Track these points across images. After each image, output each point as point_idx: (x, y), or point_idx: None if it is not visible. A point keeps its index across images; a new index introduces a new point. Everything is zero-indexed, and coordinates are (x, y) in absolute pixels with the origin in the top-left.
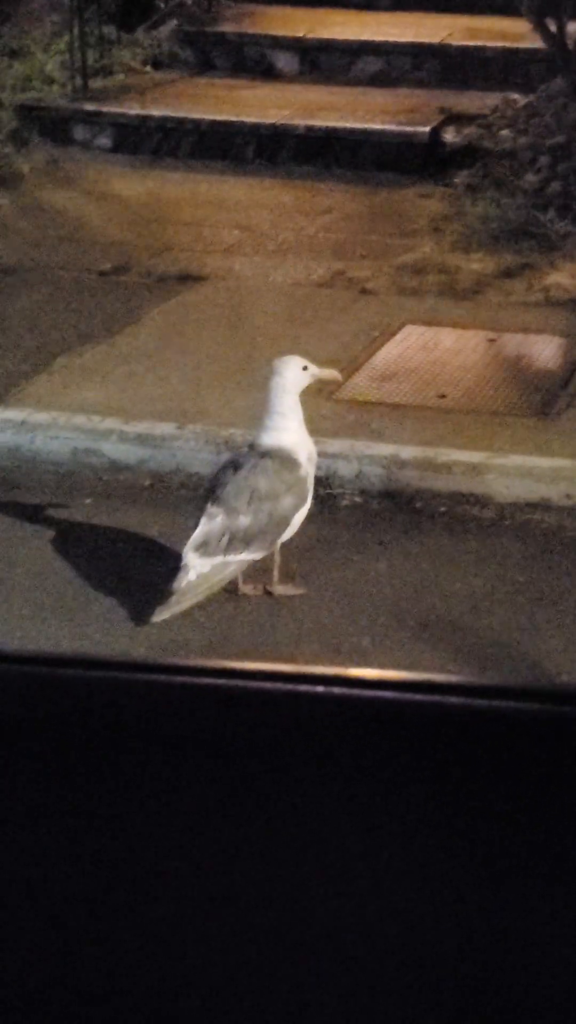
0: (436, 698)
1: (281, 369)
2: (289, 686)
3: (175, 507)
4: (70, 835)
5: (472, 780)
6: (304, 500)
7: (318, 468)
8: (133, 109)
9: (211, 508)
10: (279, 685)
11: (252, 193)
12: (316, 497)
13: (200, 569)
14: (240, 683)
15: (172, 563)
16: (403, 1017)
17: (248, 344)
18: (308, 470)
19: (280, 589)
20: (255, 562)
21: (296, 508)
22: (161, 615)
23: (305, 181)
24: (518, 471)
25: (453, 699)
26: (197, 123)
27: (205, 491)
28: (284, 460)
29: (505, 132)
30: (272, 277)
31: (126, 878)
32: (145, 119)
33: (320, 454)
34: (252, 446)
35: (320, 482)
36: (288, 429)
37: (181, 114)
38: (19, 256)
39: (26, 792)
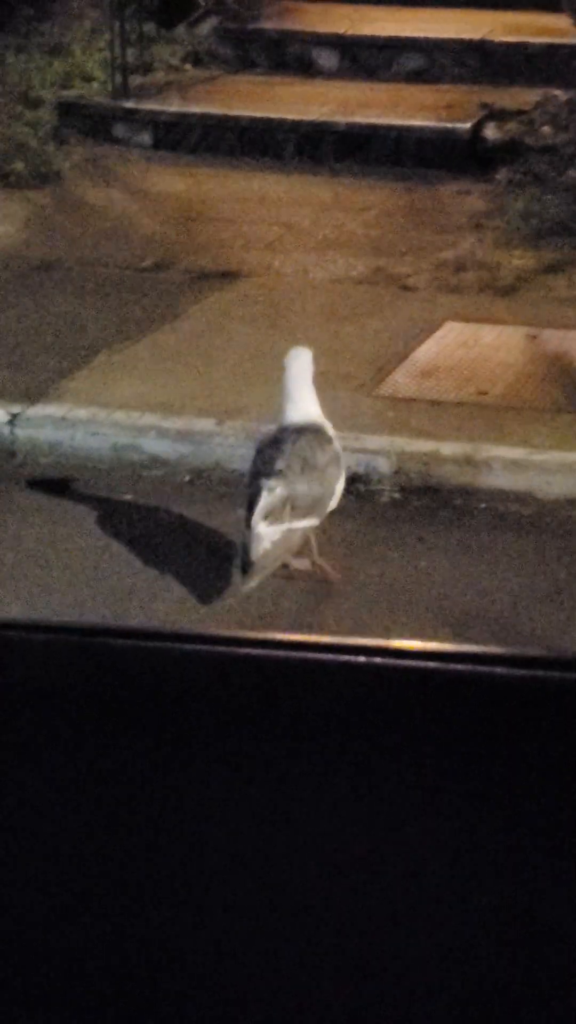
0: (442, 665)
1: (296, 355)
2: (297, 654)
3: (214, 503)
4: (76, 806)
5: (481, 749)
6: (341, 471)
7: (357, 464)
8: (173, 106)
9: (269, 482)
10: (287, 653)
11: (292, 190)
12: (355, 493)
13: (272, 537)
14: (246, 651)
15: (209, 559)
16: (407, 995)
17: (288, 340)
18: (338, 445)
19: (320, 560)
20: (313, 528)
21: (337, 478)
22: (248, 584)
23: (345, 178)
24: (559, 467)
25: (458, 666)
26: (237, 120)
27: (254, 469)
28: (319, 434)
29: (547, 128)
30: (312, 274)
31: (133, 851)
32: (185, 116)
33: (359, 450)
34: (283, 427)
35: (359, 478)
36: (311, 407)
37: (221, 111)
38: (59, 253)
39: (31, 760)
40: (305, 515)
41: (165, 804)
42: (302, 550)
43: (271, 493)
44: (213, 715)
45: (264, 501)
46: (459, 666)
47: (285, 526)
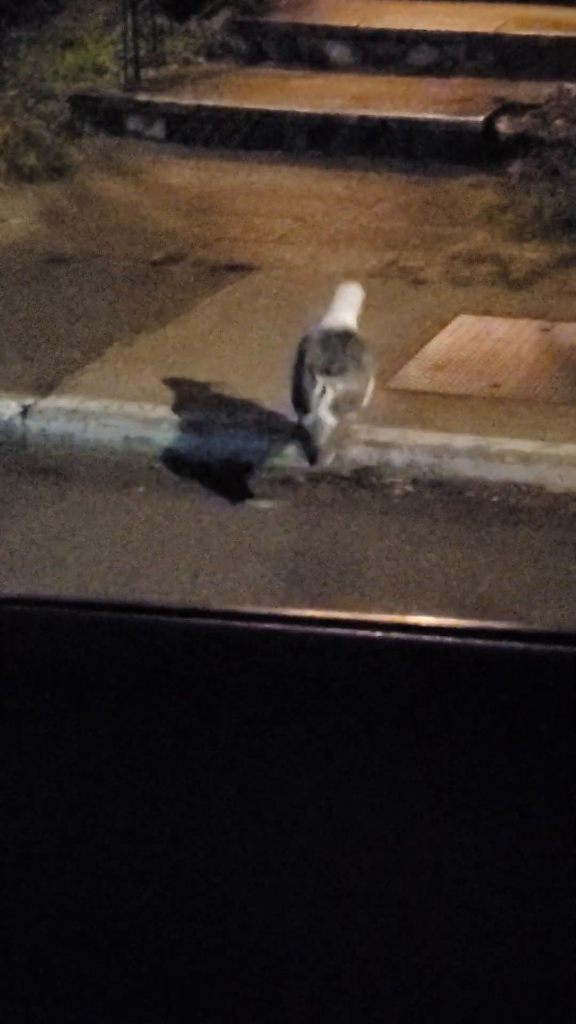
0: (447, 640)
1: (346, 287)
2: (303, 628)
3: (226, 494)
4: (75, 782)
5: (491, 724)
6: (372, 371)
7: (370, 457)
8: (186, 99)
9: (331, 379)
10: (292, 628)
11: (304, 183)
12: (367, 486)
13: (332, 425)
14: (251, 625)
15: (223, 555)
16: (412, 981)
17: (300, 333)
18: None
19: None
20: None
21: (371, 378)
22: (322, 463)
23: (357, 171)
24: (571, 460)
25: (466, 641)
26: (249, 113)
27: (305, 364)
28: (359, 339)
29: (560, 121)
30: (324, 267)
31: (135, 828)
32: (198, 109)
33: (372, 443)
34: (326, 330)
35: (371, 471)
36: (349, 319)
37: (234, 104)
38: (72, 245)
39: (31, 735)
40: (351, 408)
41: (167, 781)
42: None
43: (334, 389)
44: (216, 690)
45: (330, 395)
46: (467, 640)
47: (339, 419)
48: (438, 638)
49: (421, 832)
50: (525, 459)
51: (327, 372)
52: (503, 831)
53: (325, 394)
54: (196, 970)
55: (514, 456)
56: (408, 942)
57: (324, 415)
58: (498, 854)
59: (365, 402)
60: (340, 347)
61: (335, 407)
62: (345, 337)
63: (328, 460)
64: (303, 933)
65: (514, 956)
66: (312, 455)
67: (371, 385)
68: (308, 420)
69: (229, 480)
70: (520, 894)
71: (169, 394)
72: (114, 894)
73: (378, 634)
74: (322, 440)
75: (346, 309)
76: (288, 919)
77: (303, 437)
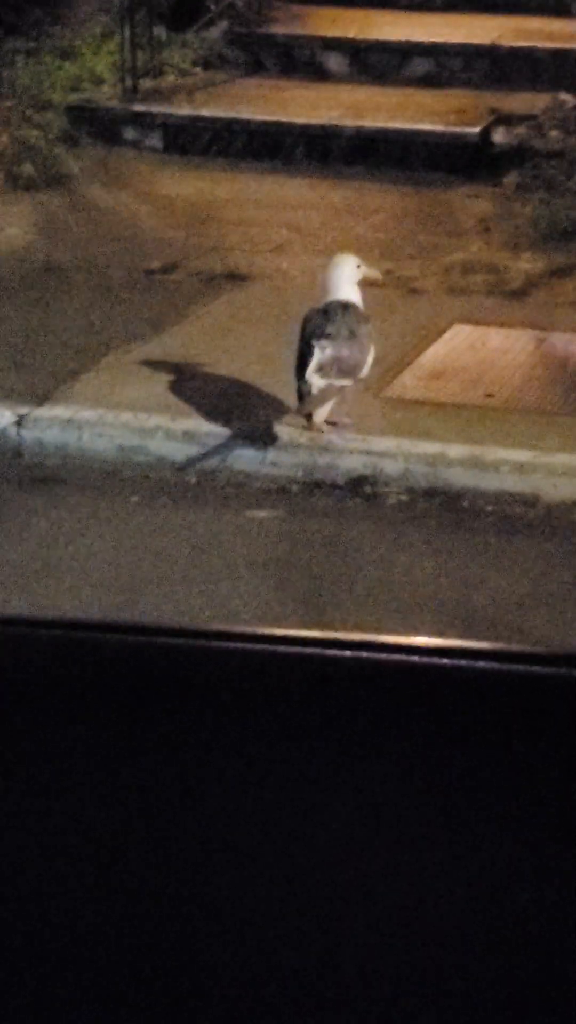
0: (443, 661)
1: (339, 263)
2: (299, 649)
3: (221, 504)
4: (74, 804)
5: (483, 744)
6: (372, 345)
7: (364, 466)
8: (183, 110)
9: (321, 342)
10: (288, 648)
11: (301, 193)
12: (362, 495)
13: (319, 386)
14: (246, 646)
15: (218, 565)
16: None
17: (295, 343)
18: (371, 324)
19: (346, 420)
20: (343, 388)
21: (370, 351)
22: (303, 410)
23: (354, 181)
24: (566, 470)
25: (460, 662)
26: (247, 123)
27: (305, 334)
28: (359, 312)
29: (555, 133)
30: (320, 276)
31: (135, 849)
32: (195, 120)
33: (367, 452)
34: (328, 303)
35: (366, 480)
36: (351, 295)
37: (231, 115)
38: (68, 255)
39: (31, 756)
40: (343, 376)
41: (165, 801)
42: (338, 405)
43: (322, 352)
44: (211, 710)
45: (316, 358)
46: (464, 661)
47: (327, 381)
48: (435, 659)
49: (419, 851)
50: (520, 469)
51: (319, 337)
52: (502, 851)
53: (313, 355)
54: (196, 990)
55: (509, 466)
56: (402, 954)
57: (311, 375)
58: (496, 873)
59: (364, 372)
60: (337, 316)
61: (320, 369)
62: (343, 308)
63: (319, 419)
64: (299, 953)
65: (505, 974)
66: (308, 417)
67: (370, 356)
68: (299, 384)
69: (224, 489)
70: (519, 912)
71: (164, 403)
72: (114, 909)
73: (375, 655)
74: (309, 402)
75: (345, 284)
76: (286, 937)
77: (297, 392)
